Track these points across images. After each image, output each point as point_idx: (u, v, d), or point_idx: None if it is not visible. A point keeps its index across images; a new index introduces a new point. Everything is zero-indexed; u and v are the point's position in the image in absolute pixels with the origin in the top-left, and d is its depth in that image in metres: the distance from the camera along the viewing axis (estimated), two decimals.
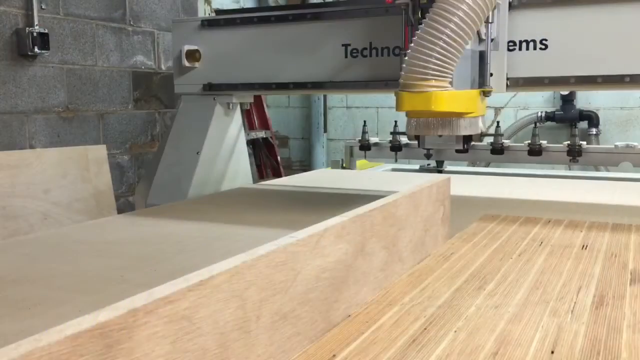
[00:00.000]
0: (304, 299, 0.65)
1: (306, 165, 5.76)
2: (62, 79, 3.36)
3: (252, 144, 5.43)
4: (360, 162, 3.42)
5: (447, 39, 1.22)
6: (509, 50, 1.48)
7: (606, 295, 0.84)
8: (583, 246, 1.12)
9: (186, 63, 1.88)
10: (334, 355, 0.64)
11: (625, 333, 0.70)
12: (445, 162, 3.24)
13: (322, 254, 0.68)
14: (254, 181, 2.18)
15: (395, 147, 3.19)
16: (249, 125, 5.40)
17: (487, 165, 3.53)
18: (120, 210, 3.27)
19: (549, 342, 0.67)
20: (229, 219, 1.51)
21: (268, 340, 0.58)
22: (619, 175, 2.75)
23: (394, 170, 3.09)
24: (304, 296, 0.65)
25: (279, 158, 5.42)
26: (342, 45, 1.67)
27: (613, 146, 2.77)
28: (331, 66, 1.69)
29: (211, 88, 1.90)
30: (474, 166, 3.62)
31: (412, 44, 1.26)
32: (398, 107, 1.30)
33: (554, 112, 4.55)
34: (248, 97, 2.07)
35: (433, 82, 1.24)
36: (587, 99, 4.57)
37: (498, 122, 3.21)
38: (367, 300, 0.81)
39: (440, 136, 1.36)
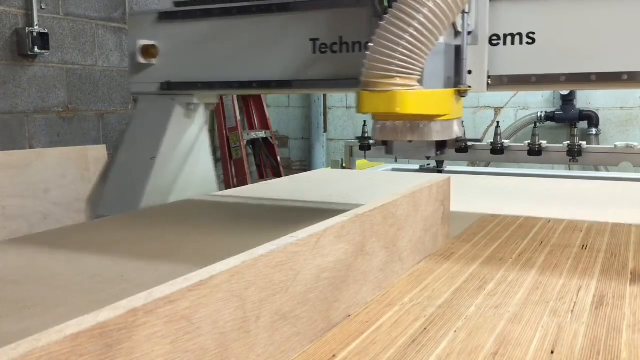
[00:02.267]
0: (303, 299, 0.65)
1: (306, 165, 5.76)
2: (62, 79, 3.36)
3: (252, 144, 5.45)
4: (360, 162, 3.43)
5: (414, 32, 1.06)
6: (491, 44, 1.31)
7: (606, 295, 0.84)
8: (583, 246, 1.12)
9: (142, 60, 1.70)
10: (334, 356, 0.64)
11: (625, 333, 0.70)
12: (445, 162, 3.25)
13: (322, 254, 0.68)
14: (254, 181, 2.16)
15: None
16: (248, 125, 5.41)
17: (487, 165, 3.53)
18: None
19: (549, 342, 0.67)
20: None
21: (268, 340, 0.58)
22: (619, 175, 2.75)
23: (394, 170, 3.09)
24: (303, 296, 0.65)
25: (279, 158, 5.42)
26: (310, 39, 1.50)
27: (613, 146, 2.77)
28: (298, 63, 1.53)
29: (169, 87, 1.72)
30: (474, 166, 3.62)
31: (375, 36, 1.09)
32: (358, 108, 1.14)
33: (554, 112, 4.56)
34: (212, 97, 1.89)
35: (398, 81, 1.07)
36: (587, 99, 4.57)
37: (498, 122, 3.21)
38: (367, 300, 0.81)
39: (410, 142, 1.17)
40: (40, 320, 0.79)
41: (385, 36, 1.07)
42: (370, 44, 1.10)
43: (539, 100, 4.71)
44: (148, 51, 1.71)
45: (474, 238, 1.19)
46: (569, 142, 2.81)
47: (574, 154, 2.77)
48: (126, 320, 0.42)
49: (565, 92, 4.45)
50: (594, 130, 4.43)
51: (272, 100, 5.78)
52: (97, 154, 3.19)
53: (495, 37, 1.31)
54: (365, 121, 3.54)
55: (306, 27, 1.51)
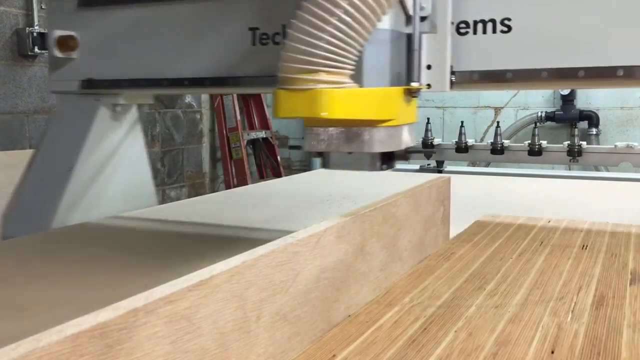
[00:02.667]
0: (304, 299, 0.65)
1: (306, 165, 5.76)
2: None
3: (252, 144, 5.45)
4: None
5: (343, 14, 0.83)
6: (459, 33, 1.07)
7: (606, 295, 0.84)
8: (583, 246, 1.12)
9: (58, 53, 1.45)
10: (334, 356, 0.64)
11: (625, 333, 0.70)
12: (445, 162, 3.25)
13: (322, 254, 0.68)
14: (254, 181, 2.13)
15: None
16: (249, 125, 5.41)
17: (487, 165, 3.53)
18: None
19: (549, 342, 0.67)
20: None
21: (268, 340, 0.58)
22: (619, 175, 2.75)
23: (394, 170, 3.09)
24: (304, 296, 0.65)
25: (279, 158, 5.43)
26: (249, 29, 1.25)
27: (613, 146, 2.77)
28: (235, 57, 1.28)
29: (91, 85, 1.45)
30: (474, 166, 3.62)
31: (295, 20, 0.85)
32: (274, 111, 0.90)
33: (554, 112, 4.56)
34: (145, 97, 1.63)
35: (323, 76, 0.83)
36: (587, 98, 4.57)
37: (498, 122, 3.21)
38: (367, 300, 0.81)
39: (349, 153, 0.92)
40: (40, 320, 0.79)
41: (307, 19, 0.83)
42: (289, 30, 0.85)
43: (539, 100, 4.72)
44: (65, 43, 1.46)
45: (474, 238, 1.19)
46: (569, 142, 2.81)
47: (574, 154, 2.77)
48: (126, 320, 0.42)
49: (565, 92, 4.45)
50: (594, 130, 4.44)
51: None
52: None
53: (463, 25, 1.08)
54: None
55: (244, 14, 1.27)
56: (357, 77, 0.89)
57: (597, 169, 3.66)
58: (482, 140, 4.64)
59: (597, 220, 1.35)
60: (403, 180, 2.24)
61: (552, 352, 0.65)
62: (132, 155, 1.63)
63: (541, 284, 0.89)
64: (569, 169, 3.80)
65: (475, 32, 1.08)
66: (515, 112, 4.77)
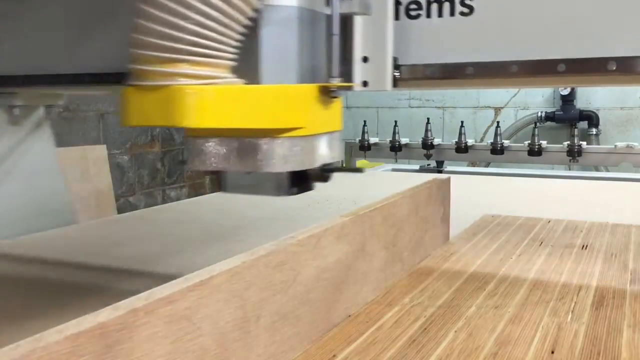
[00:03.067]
0: (304, 299, 0.65)
1: None
2: None
3: None
4: (360, 162, 3.43)
5: None
6: (408, 17, 0.84)
7: (606, 295, 0.84)
8: (583, 246, 1.12)
9: None
10: (334, 355, 0.64)
11: (625, 333, 0.70)
12: (445, 162, 3.25)
13: (322, 254, 0.68)
14: None
15: (395, 147, 3.20)
16: None
17: (487, 165, 3.53)
18: (120, 210, 3.27)
19: (549, 342, 0.67)
20: None
21: (268, 340, 0.58)
22: (619, 175, 2.75)
23: (394, 170, 3.09)
24: (304, 296, 0.65)
25: None
26: None
27: (613, 146, 2.77)
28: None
29: None
30: (474, 166, 3.62)
31: None
32: (122, 120, 0.64)
33: (554, 112, 4.56)
34: (50, 97, 1.39)
35: (185, 68, 0.60)
36: (587, 99, 4.57)
37: (498, 122, 3.21)
38: (367, 300, 0.81)
39: (248, 173, 0.70)
40: (40, 320, 0.79)
41: None
42: (141, 5, 0.60)
43: (539, 101, 4.72)
44: None
45: (474, 238, 1.19)
46: (569, 142, 2.81)
47: (574, 154, 2.78)
48: (126, 320, 0.42)
49: (565, 92, 4.45)
50: (594, 131, 4.43)
51: None
52: (97, 154, 3.19)
53: (414, 6, 0.84)
54: (365, 121, 3.54)
55: None
56: (250, 69, 0.66)
57: (597, 169, 3.66)
58: (482, 140, 4.64)
59: (597, 220, 1.35)
60: (403, 180, 2.24)
61: (552, 352, 0.65)
62: (37, 164, 1.39)
63: (541, 284, 0.89)
64: (569, 169, 3.79)
65: (428, 16, 0.84)
66: (515, 112, 4.77)
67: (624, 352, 0.65)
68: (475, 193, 1.89)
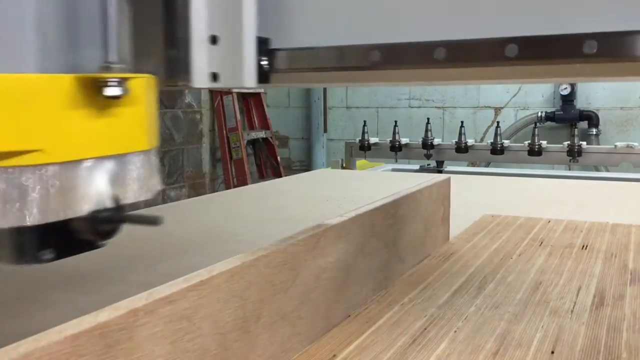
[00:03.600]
0: (304, 299, 0.65)
1: (306, 165, 5.76)
2: None
3: (252, 144, 5.46)
4: (360, 162, 3.43)
5: None
6: None
7: (606, 295, 0.84)
8: (583, 246, 1.12)
9: None
10: (334, 355, 0.64)
11: (625, 333, 0.70)
12: (445, 162, 3.25)
13: (322, 254, 0.68)
14: (254, 181, 2.12)
15: (395, 147, 3.20)
16: (249, 125, 5.42)
17: (487, 165, 3.53)
18: None
19: (549, 342, 0.67)
20: None
21: (268, 340, 0.58)
22: (619, 175, 2.75)
23: (394, 170, 3.09)
24: (304, 296, 0.65)
25: (279, 158, 5.43)
26: None
27: (613, 146, 2.78)
28: None
29: None
30: (474, 166, 3.62)
31: None
32: None
33: (554, 112, 4.56)
34: None
35: None
36: (587, 99, 4.57)
37: (498, 122, 3.22)
38: (367, 300, 0.81)
39: None
40: (40, 320, 0.79)
41: None
42: None
43: (539, 101, 4.72)
44: None
45: (474, 238, 1.19)
46: (569, 142, 2.81)
47: (574, 154, 2.78)
48: (126, 320, 0.42)
49: (565, 92, 4.45)
50: (594, 131, 4.44)
51: (272, 100, 5.78)
52: None
53: None
54: (365, 121, 3.54)
55: None
56: None
57: (597, 169, 3.66)
58: (482, 140, 4.64)
59: (597, 220, 1.35)
60: (403, 180, 2.24)
61: (552, 352, 0.65)
62: None
63: (541, 284, 0.89)
64: (569, 169, 3.80)
65: None
66: (515, 112, 4.78)
67: (624, 352, 0.65)
68: (475, 193, 1.89)
